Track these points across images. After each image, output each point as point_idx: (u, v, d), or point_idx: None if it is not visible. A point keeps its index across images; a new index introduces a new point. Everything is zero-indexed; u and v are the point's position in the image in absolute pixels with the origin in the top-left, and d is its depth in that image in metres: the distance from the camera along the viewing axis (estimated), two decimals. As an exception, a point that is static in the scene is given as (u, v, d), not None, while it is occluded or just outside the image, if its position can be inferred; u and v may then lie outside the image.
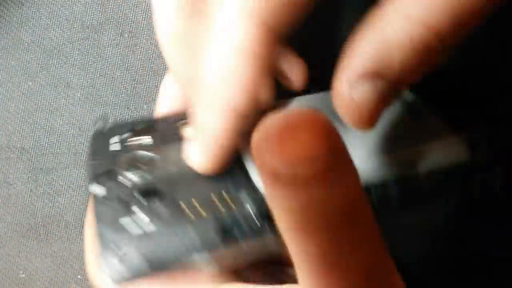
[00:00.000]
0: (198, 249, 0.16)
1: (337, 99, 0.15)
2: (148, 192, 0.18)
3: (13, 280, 0.30)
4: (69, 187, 0.30)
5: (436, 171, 0.18)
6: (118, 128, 0.20)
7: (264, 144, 0.11)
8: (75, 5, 0.30)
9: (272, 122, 0.12)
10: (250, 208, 0.17)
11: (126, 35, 0.30)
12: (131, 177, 0.18)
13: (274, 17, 0.15)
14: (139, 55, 0.30)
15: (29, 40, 0.30)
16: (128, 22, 0.30)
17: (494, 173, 0.19)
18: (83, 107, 0.30)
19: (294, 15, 0.16)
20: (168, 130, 0.20)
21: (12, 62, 0.30)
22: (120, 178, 0.18)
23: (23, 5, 0.30)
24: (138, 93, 0.30)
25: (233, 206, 0.17)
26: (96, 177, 0.18)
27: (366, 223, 0.13)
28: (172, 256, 0.16)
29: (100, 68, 0.30)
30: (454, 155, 0.18)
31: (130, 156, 0.19)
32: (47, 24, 0.30)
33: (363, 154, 0.18)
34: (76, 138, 0.30)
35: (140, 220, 0.17)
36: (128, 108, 0.30)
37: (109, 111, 0.30)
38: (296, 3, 0.16)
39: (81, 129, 0.30)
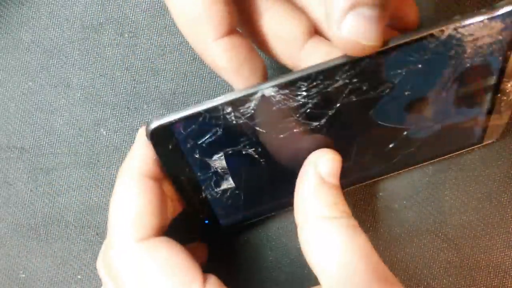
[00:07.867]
0: None
1: (334, 42, 0.19)
2: None
3: (13, 280, 0.30)
4: (69, 187, 0.30)
5: None
6: None
7: None
8: (75, 5, 0.30)
9: None
10: None
11: (126, 35, 0.30)
12: None
13: None
14: (139, 55, 0.30)
15: (29, 40, 0.30)
16: (128, 22, 0.30)
17: None
18: (83, 107, 0.30)
19: None
20: None
21: (12, 62, 0.30)
22: None
23: (23, 5, 0.30)
24: (138, 93, 0.30)
25: None
26: None
27: None
28: None
29: (100, 68, 0.30)
30: None
31: None
32: (47, 24, 0.30)
33: None
34: (76, 138, 0.30)
35: None
36: (128, 108, 0.30)
37: (109, 111, 0.30)
38: None
39: (81, 129, 0.30)
